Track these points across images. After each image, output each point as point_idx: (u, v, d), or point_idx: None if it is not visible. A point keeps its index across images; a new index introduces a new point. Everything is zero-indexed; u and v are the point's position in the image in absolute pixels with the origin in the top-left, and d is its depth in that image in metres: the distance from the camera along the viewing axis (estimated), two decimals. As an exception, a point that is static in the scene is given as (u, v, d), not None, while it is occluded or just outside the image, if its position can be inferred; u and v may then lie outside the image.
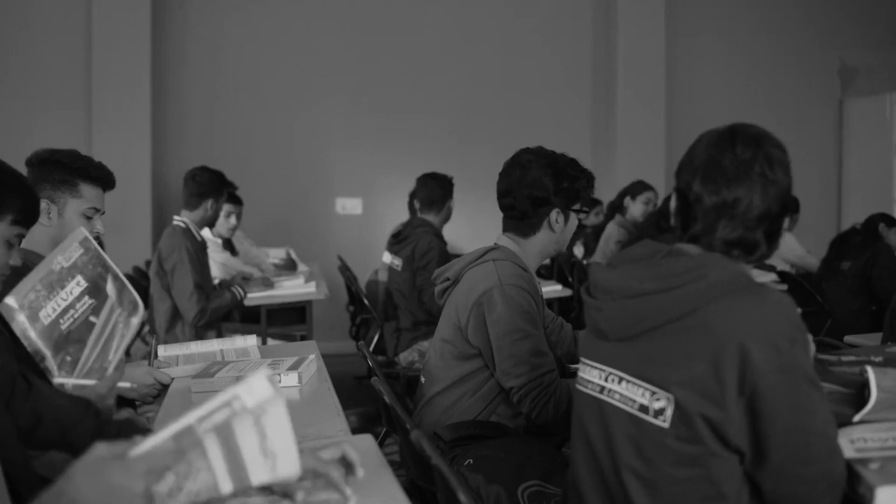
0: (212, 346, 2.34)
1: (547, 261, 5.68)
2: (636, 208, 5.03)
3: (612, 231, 4.98)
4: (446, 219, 4.10)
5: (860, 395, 1.49)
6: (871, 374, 1.48)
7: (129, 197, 5.31)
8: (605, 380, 1.35)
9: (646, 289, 1.29)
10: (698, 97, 6.56)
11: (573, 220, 2.18)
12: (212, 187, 3.71)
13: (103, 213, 2.17)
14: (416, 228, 3.92)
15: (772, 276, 4.31)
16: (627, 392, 1.30)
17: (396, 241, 3.97)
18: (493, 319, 1.99)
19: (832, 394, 1.52)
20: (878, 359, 1.68)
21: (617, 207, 5.15)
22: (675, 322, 1.25)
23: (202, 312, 3.49)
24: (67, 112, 5.48)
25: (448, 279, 2.18)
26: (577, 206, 2.17)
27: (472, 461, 1.87)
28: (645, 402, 1.27)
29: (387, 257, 4.04)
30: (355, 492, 1.12)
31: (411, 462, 1.96)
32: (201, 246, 3.69)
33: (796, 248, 5.06)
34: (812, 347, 1.45)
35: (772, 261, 4.94)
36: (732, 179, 1.29)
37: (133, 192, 5.35)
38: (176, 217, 3.69)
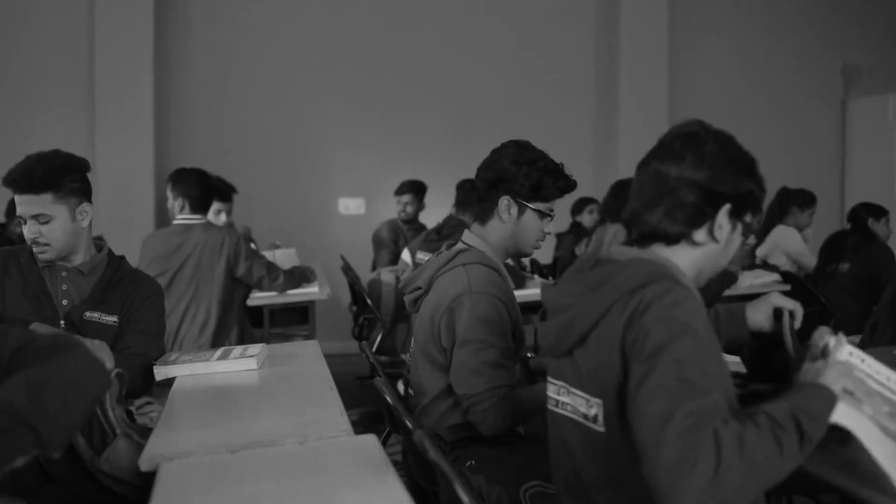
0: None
1: (549, 259, 5.71)
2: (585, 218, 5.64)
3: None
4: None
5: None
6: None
7: (131, 197, 5.33)
8: (558, 393, 1.39)
9: (568, 303, 1.33)
10: (700, 97, 6.56)
11: (531, 219, 2.04)
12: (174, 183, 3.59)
13: (25, 219, 2.07)
14: (457, 228, 3.89)
15: (774, 277, 4.29)
16: (573, 402, 1.34)
17: (438, 239, 3.89)
18: (460, 326, 1.92)
19: None
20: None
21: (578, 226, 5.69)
22: (593, 329, 1.28)
23: (290, 274, 3.70)
24: (69, 112, 5.48)
25: (419, 287, 2.09)
26: (538, 205, 2.03)
27: (473, 462, 1.87)
28: (585, 410, 1.31)
29: (423, 256, 3.91)
30: (358, 491, 1.11)
31: (413, 462, 1.96)
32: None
33: (799, 245, 5.05)
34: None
35: (773, 254, 4.94)
36: (669, 158, 1.35)
37: (136, 192, 5.36)
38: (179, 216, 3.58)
